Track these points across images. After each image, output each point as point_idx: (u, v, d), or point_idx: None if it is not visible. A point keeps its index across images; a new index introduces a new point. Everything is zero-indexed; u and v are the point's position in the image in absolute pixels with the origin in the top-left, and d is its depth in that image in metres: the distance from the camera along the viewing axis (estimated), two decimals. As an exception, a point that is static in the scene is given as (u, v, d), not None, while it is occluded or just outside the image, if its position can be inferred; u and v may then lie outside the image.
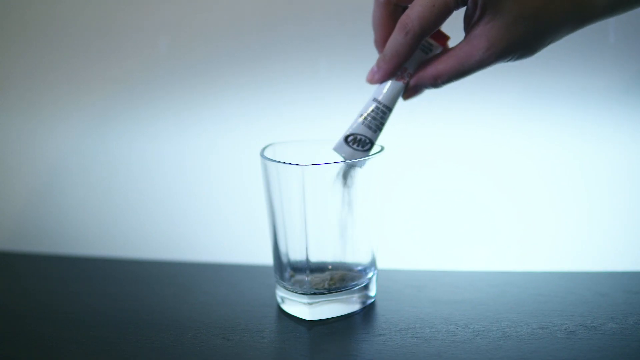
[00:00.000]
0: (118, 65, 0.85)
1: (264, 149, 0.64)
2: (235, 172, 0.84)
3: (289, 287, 0.63)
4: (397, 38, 0.55)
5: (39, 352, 0.60)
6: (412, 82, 0.58)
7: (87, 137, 0.87)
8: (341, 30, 0.79)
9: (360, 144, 0.59)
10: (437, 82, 0.57)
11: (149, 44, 0.84)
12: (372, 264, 0.65)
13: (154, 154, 0.86)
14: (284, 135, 0.74)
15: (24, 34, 0.87)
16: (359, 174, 0.61)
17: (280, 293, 0.65)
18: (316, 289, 0.62)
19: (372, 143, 0.60)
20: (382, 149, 0.63)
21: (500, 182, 0.79)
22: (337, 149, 0.60)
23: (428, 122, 0.79)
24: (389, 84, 0.59)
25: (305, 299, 0.62)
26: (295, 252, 0.62)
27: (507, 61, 0.54)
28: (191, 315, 0.65)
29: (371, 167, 0.62)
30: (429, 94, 0.78)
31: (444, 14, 0.53)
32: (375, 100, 0.59)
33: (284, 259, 0.63)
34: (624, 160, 0.75)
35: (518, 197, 0.78)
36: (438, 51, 0.58)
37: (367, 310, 0.65)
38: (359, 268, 0.64)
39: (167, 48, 0.83)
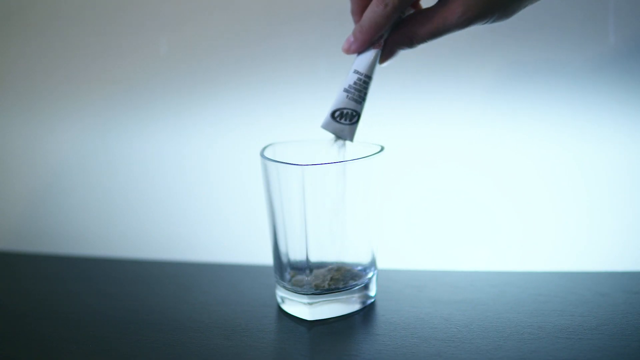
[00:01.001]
0: (118, 65, 0.85)
1: (264, 149, 0.64)
2: (235, 172, 0.84)
3: (289, 287, 0.63)
4: (375, 10, 0.55)
5: (39, 352, 0.60)
6: (388, 44, 0.58)
7: (87, 137, 0.87)
8: (341, 30, 0.78)
9: (347, 117, 0.59)
10: (413, 43, 0.57)
11: (149, 44, 0.84)
12: (372, 264, 0.65)
13: (154, 154, 0.86)
14: (284, 135, 0.74)
15: (24, 34, 0.87)
16: (358, 172, 0.61)
17: (280, 293, 0.65)
18: (316, 289, 0.62)
19: (358, 115, 0.59)
20: (382, 149, 0.63)
21: (500, 182, 0.78)
22: (325, 127, 0.60)
23: (428, 122, 0.79)
24: (367, 52, 0.58)
25: (305, 299, 0.62)
26: (295, 252, 0.62)
27: (484, 24, 0.54)
28: (191, 315, 0.65)
29: (371, 167, 0.62)
30: (430, 93, 0.79)
31: None
32: (356, 72, 0.59)
33: (284, 259, 0.63)
34: (624, 160, 0.75)
35: (518, 197, 0.78)
36: (410, 12, 0.58)
37: (367, 310, 0.65)
38: (359, 268, 0.64)
39: (167, 48, 0.84)
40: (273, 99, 0.82)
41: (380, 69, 0.60)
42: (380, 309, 0.65)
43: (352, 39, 0.58)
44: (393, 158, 0.69)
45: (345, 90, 0.59)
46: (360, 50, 0.58)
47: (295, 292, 0.63)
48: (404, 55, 0.62)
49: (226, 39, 0.82)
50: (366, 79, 0.59)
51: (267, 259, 0.68)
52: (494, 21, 0.54)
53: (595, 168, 0.76)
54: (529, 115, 0.77)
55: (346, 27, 0.78)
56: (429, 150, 0.79)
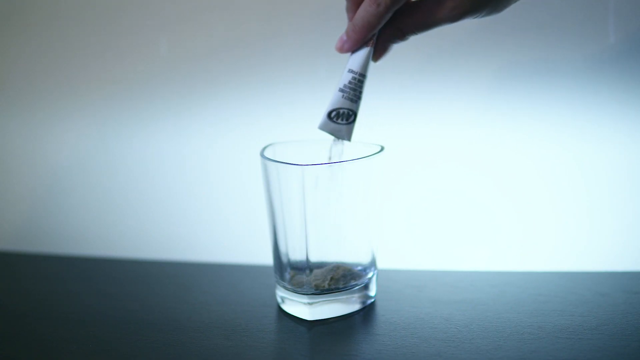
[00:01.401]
0: (118, 65, 0.85)
1: (264, 149, 0.64)
2: (235, 172, 0.84)
3: (289, 287, 0.63)
4: (368, 9, 0.55)
5: (39, 352, 0.60)
6: (380, 40, 0.58)
7: (87, 137, 0.87)
8: (341, 30, 0.78)
9: (343, 117, 0.59)
10: (404, 35, 0.57)
11: (149, 44, 0.84)
12: (372, 264, 0.65)
13: (154, 154, 0.86)
14: (284, 135, 0.74)
15: (24, 34, 0.87)
16: (358, 172, 0.61)
17: (280, 293, 0.65)
18: (316, 289, 0.62)
19: (355, 114, 0.60)
20: (382, 149, 0.63)
21: (500, 182, 0.78)
22: (322, 127, 0.60)
23: (428, 122, 0.79)
24: (360, 51, 0.58)
25: (305, 299, 0.62)
26: (295, 252, 0.62)
27: (475, 18, 0.55)
28: (191, 315, 0.65)
29: (371, 167, 0.62)
30: (430, 93, 0.79)
31: None
32: (350, 71, 0.59)
33: (284, 259, 0.63)
34: (624, 160, 0.75)
35: (518, 197, 0.78)
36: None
37: (367, 310, 0.65)
38: (359, 268, 0.64)
39: (167, 48, 0.83)
40: (273, 99, 0.82)
41: (380, 67, 0.60)
42: (380, 309, 0.65)
43: (344, 37, 0.58)
44: (393, 158, 0.69)
45: (341, 90, 0.59)
46: (353, 49, 0.58)
47: (295, 292, 0.63)
48: (403, 55, 0.62)
49: (226, 39, 0.82)
50: (361, 78, 0.59)
51: (267, 259, 0.68)
52: (484, 16, 0.55)
53: (595, 168, 0.76)
54: (529, 115, 0.77)
55: (346, 27, 0.78)
56: (429, 150, 0.79)
